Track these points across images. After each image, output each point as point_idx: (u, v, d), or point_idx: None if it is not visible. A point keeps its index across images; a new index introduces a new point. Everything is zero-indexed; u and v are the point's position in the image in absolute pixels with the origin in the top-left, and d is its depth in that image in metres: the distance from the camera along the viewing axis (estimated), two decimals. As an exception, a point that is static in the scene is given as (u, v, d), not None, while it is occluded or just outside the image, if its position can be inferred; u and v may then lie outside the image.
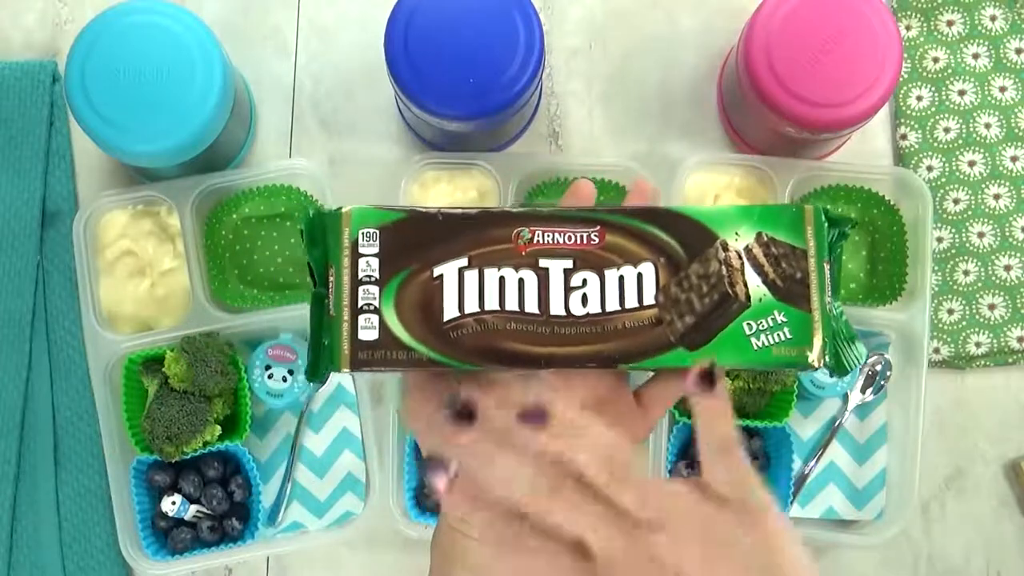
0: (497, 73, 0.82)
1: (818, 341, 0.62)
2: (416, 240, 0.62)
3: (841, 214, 0.63)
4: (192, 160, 0.87)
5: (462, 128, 0.87)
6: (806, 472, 0.94)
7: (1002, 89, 0.97)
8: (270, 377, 0.92)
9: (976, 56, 0.98)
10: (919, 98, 0.98)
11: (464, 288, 0.62)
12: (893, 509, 0.93)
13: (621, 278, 0.62)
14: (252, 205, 0.94)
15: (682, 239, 0.63)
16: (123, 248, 0.93)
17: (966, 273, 0.97)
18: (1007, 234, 0.96)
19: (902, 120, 0.98)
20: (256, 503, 0.92)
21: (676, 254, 0.62)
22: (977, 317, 0.96)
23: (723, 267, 0.62)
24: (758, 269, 0.63)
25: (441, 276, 0.62)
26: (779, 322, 0.62)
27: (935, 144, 0.97)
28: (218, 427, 0.91)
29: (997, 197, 0.97)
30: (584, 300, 0.62)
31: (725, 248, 0.63)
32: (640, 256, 0.62)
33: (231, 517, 0.92)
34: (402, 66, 0.83)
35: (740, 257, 0.63)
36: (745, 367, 0.65)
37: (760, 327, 0.62)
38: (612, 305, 0.62)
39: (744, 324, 0.62)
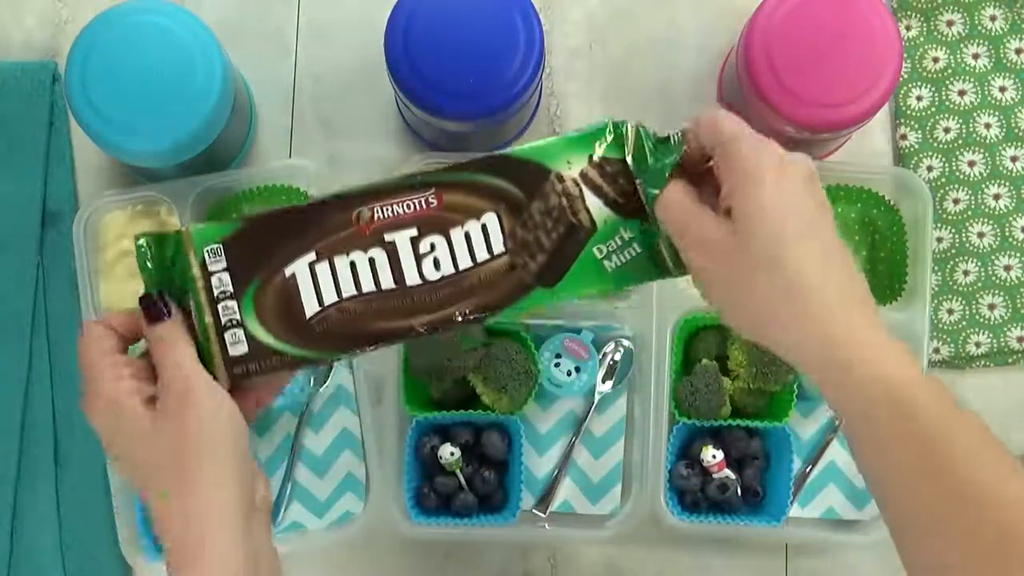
0: (497, 73, 0.82)
1: (667, 251, 0.63)
2: (261, 245, 0.63)
3: (670, 139, 0.63)
4: (192, 160, 0.87)
5: (462, 128, 0.87)
6: (806, 472, 0.94)
7: (1002, 89, 0.97)
8: (270, 377, 0.92)
9: (976, 56, 0.98)
10: (919, 98, 0.98)
11: (319, 281, 0.62)
12: (893, 509, 0.93)
13: (467, 234, 0.62)
14: (252, 205, 0.94)
15: (517, 181, 0.63)
16: (123, 248, 0.93)
17: (966, 273, 0.97)
18: (1007, 234, 0.96)
19: (902, 120, 0.98)
20: (256, 503, 0.92)
21: (515, 197, 0.63)
22: (977, 317, 0.96)
23: (562, 198, 0.62)
24: (597, 191, 0.63)
25: (294, 275, 0.62)
26: (626, 239, 0.63)
27: (935, 144, 0.97)
28: (218, 427, 0.91)
29: (997, 197, 0.97)
30: (436, 264, 0.62)
31: (560, 179, 0.62)
32: (480, 208, 0.62)
33: (231, 517, 0.92)
34: (402, 66, 0.83)
35: (577, 184, 0.62)
36: (607, 292, 0.66)
37: (610, 248, 0.63)
38: (464, 263, 0.62)
39: (594, 250, 0.63)
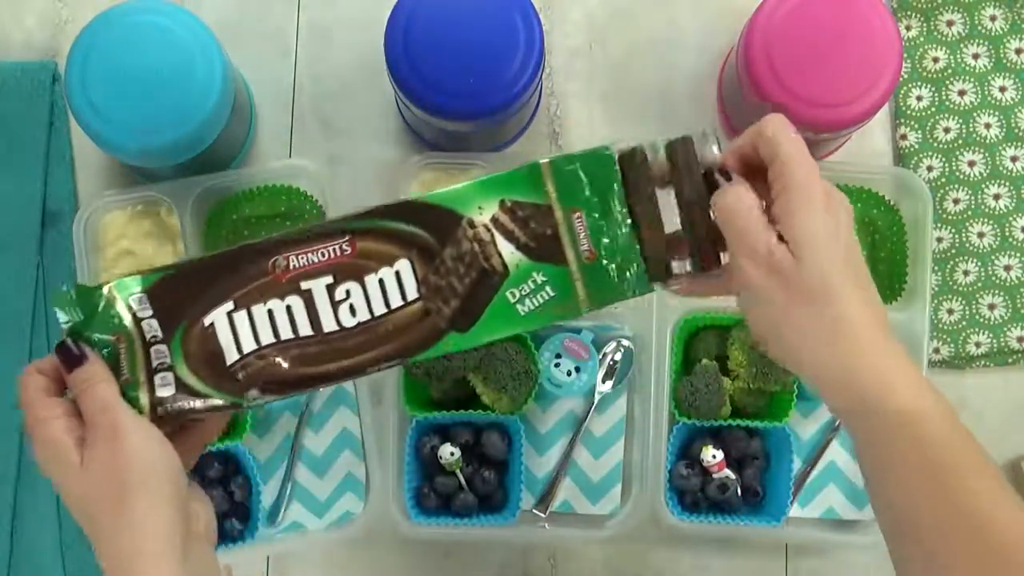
0: (497, 73, 0.83)
1: (581, 290, 0.63)
2: (181, 294, 0.64)
3: (598, 151, 0.64)
4: (192, 160, 0.87)
5: (462, 128, 0.87)
6: (806, 472, 0.94)
7: (1002, 89, 0.97)
8: (270, 377, 0.92)
9: (976, 56, 0.98)
10: (919, 98, 0.98)
11: (237, 330, 0.63)
12: (893, 509, 0.93)
13: (381, 281, 0.63)
14: (252, 205, 0.94)
15: (429, 227, 0.63)
16: (123, 248, 0.93)
17: (966, 273, 0.97)
18: (1007, 234, 0.96)
19: (902, 120, 0.98)
20: (256, 503, 0.92)
21: (427, 244, 0.63)
22: (977, 317, 0.96)
23: (474, 244, 0.63)
24: (508, 236, 0.63)
25: (212, 324, 0.63)
26: (539, 283, 0.63)
27: (935, 144, 0.97)
28: (218, 427, 0.91)
29: (997, 197, 0.97)
30: (352, 310, 0.63)
31: (472, 225, 0.63)
32: (393, 255, 0.63)
33: (231, 517, 0.92)
34: (402, 66, 0.83)
35: (489, 229, 0.63)
36: (520, 332, 0.66)
37: (523, 292, 0.63)
38: (379, 309, 0.63)
39: (508, 294, 0.63)
